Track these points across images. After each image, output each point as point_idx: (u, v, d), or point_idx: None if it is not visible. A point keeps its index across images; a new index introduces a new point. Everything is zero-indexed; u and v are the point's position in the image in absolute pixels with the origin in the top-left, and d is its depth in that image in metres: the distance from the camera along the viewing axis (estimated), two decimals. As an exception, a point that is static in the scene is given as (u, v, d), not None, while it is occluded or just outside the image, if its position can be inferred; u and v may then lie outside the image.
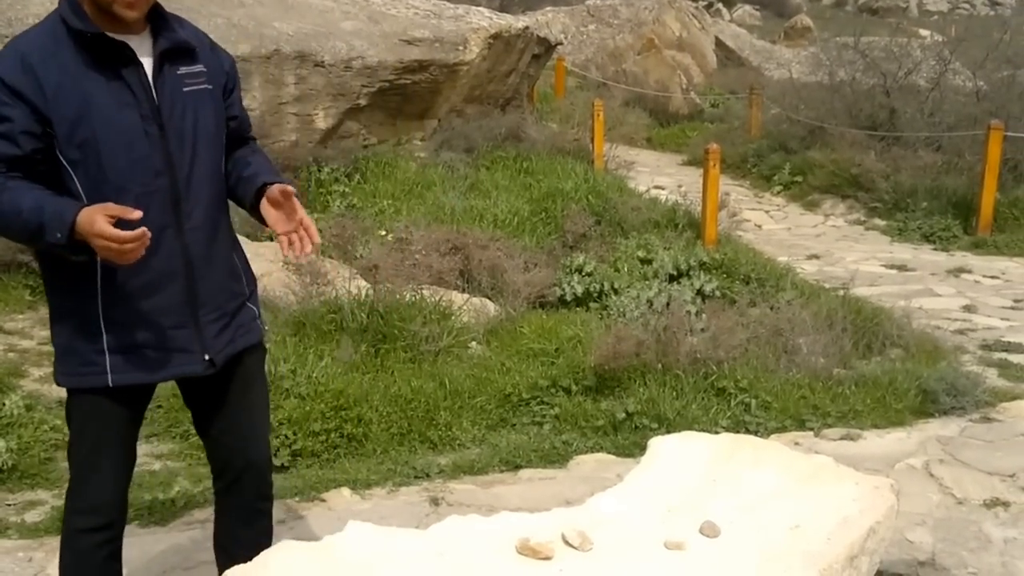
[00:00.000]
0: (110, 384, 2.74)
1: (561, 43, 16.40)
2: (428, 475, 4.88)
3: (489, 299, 6.95)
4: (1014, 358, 6.79)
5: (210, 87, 2.82)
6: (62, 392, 5.34)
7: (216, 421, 3.03)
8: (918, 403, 5.82)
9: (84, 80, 2.58)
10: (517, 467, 5.03)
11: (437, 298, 6.44)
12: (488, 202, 9.35)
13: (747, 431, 5.34)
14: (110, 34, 2.62)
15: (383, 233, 7.53)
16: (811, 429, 5.52)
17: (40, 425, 5.03)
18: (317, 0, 11.25)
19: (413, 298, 6.30)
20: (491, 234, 7.93)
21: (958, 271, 9.42)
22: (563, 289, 7.24)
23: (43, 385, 5.54)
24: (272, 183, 2.80)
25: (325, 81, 9.87)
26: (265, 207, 2.81)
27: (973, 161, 11.33)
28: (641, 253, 8.05)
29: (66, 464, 4.53)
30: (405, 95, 10.91)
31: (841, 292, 7.39)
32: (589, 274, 7.40)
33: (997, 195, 10.67)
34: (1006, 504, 4.62)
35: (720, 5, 48.20)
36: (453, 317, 6.34)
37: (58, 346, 2.80)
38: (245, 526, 3.13)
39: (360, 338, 5.94)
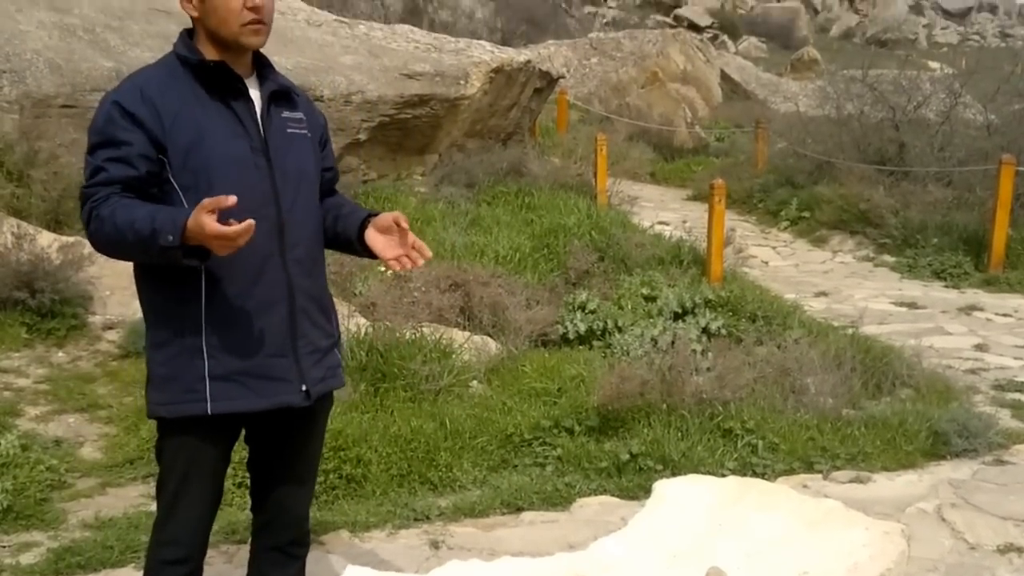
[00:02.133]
0: (209, 412, 2.79)
1: (563, 77, 16.46)
2: (428, 517, 4.79)
3: (490, 337, 6.88)
4: (1027, 398, 6.70)
5: (309, 135, 3.01)
6: (58, 432, 5.42)
7: (272, 463, 3.10)
8: (929, 445, 5.71)
9: (199, 110, 2.76)
10: (519, 509, 4.94)
11: (437, 336, 6.37)
12: (489, 238, 9.30)
13: (754, 473, 5.26)
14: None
15: (383, 269, 7.47)
16: (820, 471, 5.42)
17: (36, 465, 4.95)
18: (317, 34, 11.27)
19: (413, 336, 6.22)
20: (492, 270, 7.88)
21: (970, 309, 9.33)
22: (566, 327, 7.16)
23: (39, 424, 5.48)
24: (376, 215, 3.00)
25: (325, 116, 9.83)
26: (372, 236, 2.98)
27: (984, 196, 11.27)
28: (645, 290, 7.97)
29: (62, 506, 4.45)
30: (405, 130, 10.90)
31: (850, 330, 7.31)
32: (592, 312, 7.32)
33: (1009, 231, 10.60)
34: (1020, 550, 4.53)
35: (725, 37, 48.46)
36: (454, 355, 6.27)
37: (156, 375, 2.85)
38: (278, 568, 3.18)
39: (359, 377, 5.87)
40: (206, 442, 2.88)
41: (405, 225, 2.91)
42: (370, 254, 3.01)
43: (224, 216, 2.61)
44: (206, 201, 2.52)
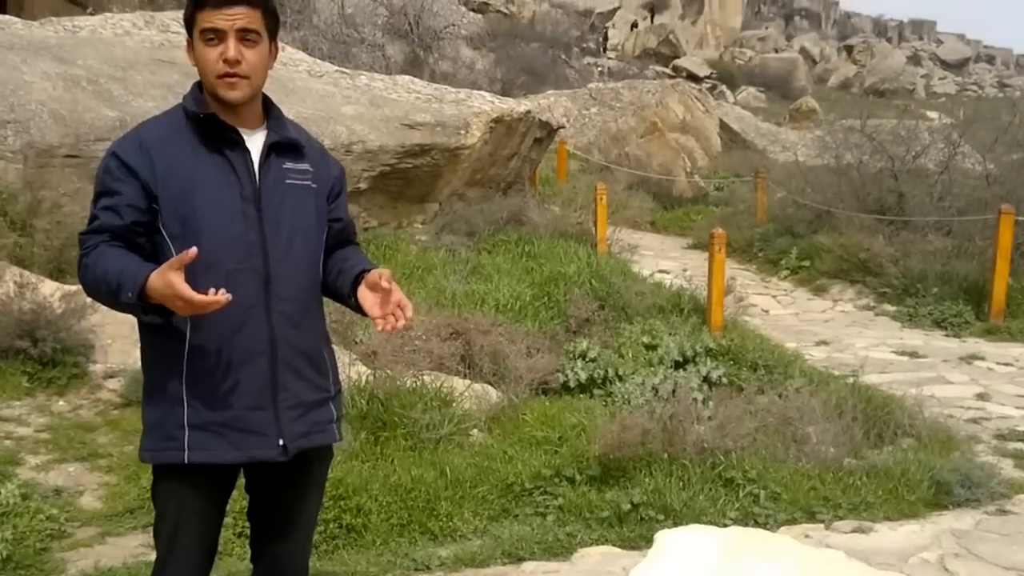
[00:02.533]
0: (185, 461, 2.78)
1: (563, 127, 16.57)
2: (429, 567, 4.76)
3: (491, 385, 6.87)
4: (1029, 448, 6.68)
5: (314, 186, 2.97)
6: (58, 481, 5.41)
7: (269, 516, 3.07)
8: (931, 495, 5.70)
9: (194, 160, 2.78)
10: (520, 559, 4.90)
11: (438, 384, 6.36)
12: (490, 286, 9.30)
13: (756, 523, 5.23)
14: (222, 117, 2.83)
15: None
16: (822, 521, 5.39)
17: (36, 515, 4.93)
18: (319, 85, 11.36)
19: (414, 384, 6.21)
20: (493, 319, 7.88)
21: (971, 358, 9.33)
22: (566, 375, 7.15)
23: (39, 473, 5.46)
24: (369, 270, 2.95)
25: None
26: (362, 293, 2.92)
27: (984, 246, 11.31)
28: (646, 339, 7.96)
29: (62, 555, 4.41)
30: (406, 179, 10.95)
31: (851, 379, 7.30)
32: (593, 360, 7.32)
33: (1009, 280, 10.63)
34: (1025, 601, 4.49)
35: (724, 87, 48.89)
36: (454, 404, 6.26)
37: (146, 422, 2.87)
38: None
39: (360, 425, 5.85)
40: (194, 490, 2.86)
41: (386, 284, 2.85)
42: (363, 311, 2.95)
43: (204, 266, 2.63)
44: (172, 260, 2.55)
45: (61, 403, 6.24)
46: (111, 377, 6.49)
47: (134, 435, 5.80)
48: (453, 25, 27.39)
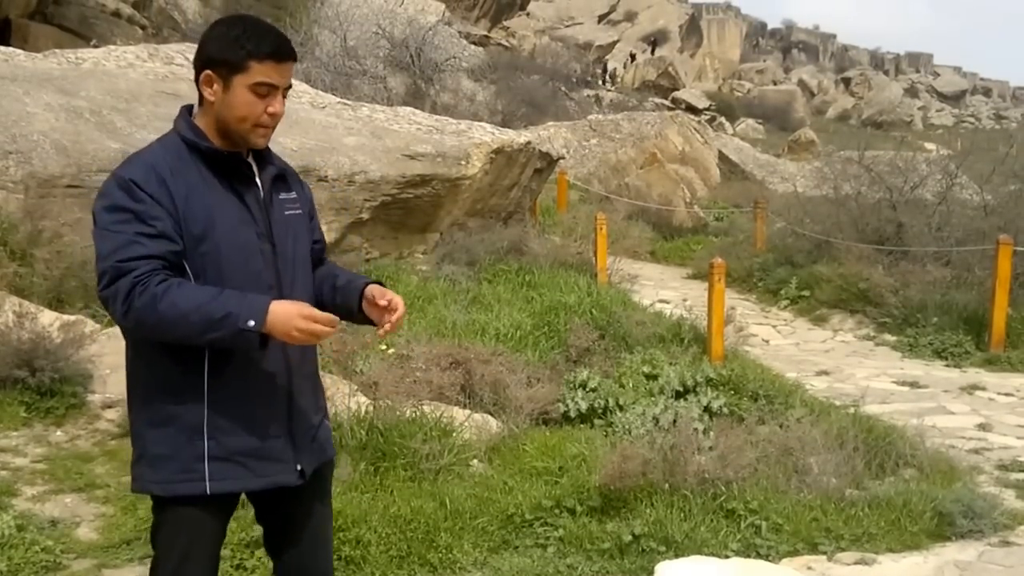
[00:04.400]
0: (207, 492, 2.81)
1: (563, 157, 16.63)
2: (428, 600, 4.71)
3: (491, 415, 6.85)
4: (1032, 479, 6.65)
5: (301, 212, 3.08)
6: (54, 512, 5.36)
7: (290, 535, 3.13)
8: (934, 526, 5.66)
9: (209, 196, 2.81)
10: (520, 593, 4.85)
11: (438, 414, 6.34)
12: (490, 316, 9.30)
13: (758, 555, 5.20)
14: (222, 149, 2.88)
15: (384, 347, 7.48)
16: (824, 553, 5.35)
17: (31, 546, 4.88)
18: (321, 116, 11.41)
19: (414, 414, 6.19)
20: (493, 348, 7.87)
21: (972, 388, 9.32)
22: (567, 405, 7.13)
23: (35, 504, 5.41)
24: (370, 283, 3.09)
25: (328, 196, 9.93)
26: (368, 307, 3.04)
27: (983, 276, 11.33)
28: (646, 368, 7.94)
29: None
30: (407, 209, 10.98)
31: (852, 410, 7.29)
32: (593, 390, 7.30)
33: (1009, 311, 10.63)
34: (1030, 634, 4.46)
35: (723, 119, 49.12)
36: (454, 434, 6.23)
37: (152, 454, 2.85)
38: None
39: (359, 456, 5.82)
40: (205, 520, 2.89)
41: (382, 303, 2.98)
42: (368, 321, 3.07)
43: None
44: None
45: (59, 433, 6.21)
46: (109, 407, 6.47)
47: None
48: (454, 57, 27.53)
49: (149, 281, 2.65)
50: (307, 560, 3.14)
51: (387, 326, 2.98)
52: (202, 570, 2.93)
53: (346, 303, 3.09)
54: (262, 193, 2.93)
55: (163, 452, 2.82)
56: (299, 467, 2.95)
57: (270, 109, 2.84)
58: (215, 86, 2.84)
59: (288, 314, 2.65)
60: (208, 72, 2.84)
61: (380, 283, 3.10)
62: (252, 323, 2.61)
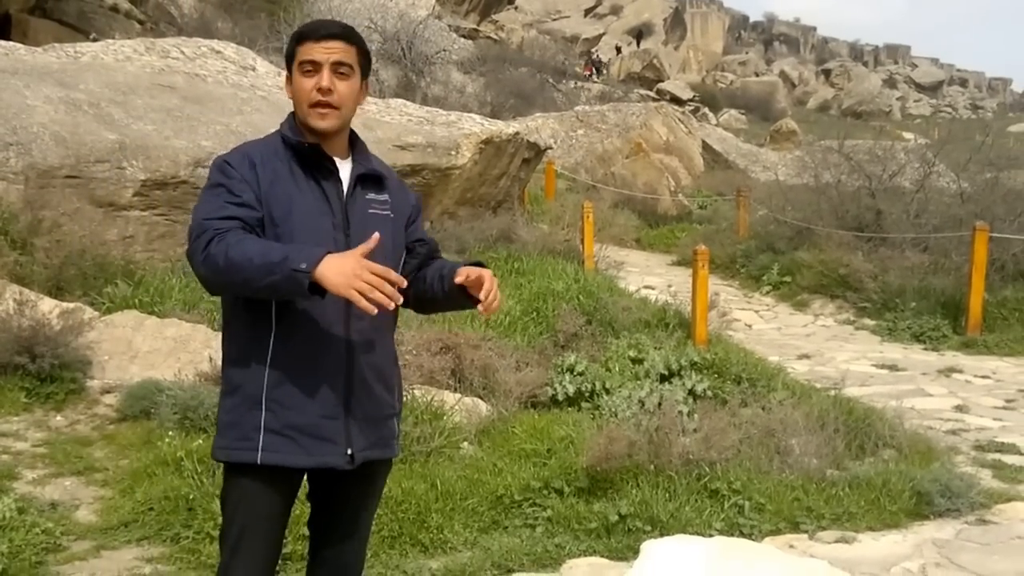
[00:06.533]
0: (258, 461, 2.91)
1: (551, 147, 16.67)
2: (419, 579, 4.78)
3: (481, 399, 6.92)
4: (1008, 459, 6.79)
5: (392, 216, 3.14)
6: (54, 495, 5.46)
7: (333, 520, 3.21)
8: (912, 505, 5.79)
9: (291, 185, 2.97)
10: (509, 571, 4.96)
11: (429, 398, 6.43)
12: (480, 302, 9.30)
13: (741, 534, 5.31)
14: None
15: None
16: (805, 531, 5.47)
17: (32, 528, 4.94)
18: (313, 108, 11.42)
19: (404, 398, 6.25)
20: (483, 334, 7.92)
21: (949, 371, 9.47)
22: (555, 389, 7.21)
23: (36, 488, 5.48)
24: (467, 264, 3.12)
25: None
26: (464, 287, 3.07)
27: (960, 262, 11.48)
28: (632, 353, 8.03)
29: (57, 569, 4.43)
30: (399, 198, 11.01)
31: (832, 392, 7.41)
32: (581, 374, 7.38)
33: (985, 295, 10.77)
34: (1004, 608, 4.57)
35: (706, 110, 49.14)
36: (445, 417, 6.31)
37: (221, 421, 3.00)
38: None
39: (351, 439, 5.88)
40: (260, 493, 2.98)
41: (458, 279, 3.02)
42: (470, 299, 3.08)
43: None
44: (358, 248, 2.76)
45: (58, 418, 6.28)
46: (108, 392, 6.53)
47: (129, 449, 5.89)
48: (444, 51, 27.54)
49: (227, 233, 2.81)
50: (334, 549, 3.22)
51: (480, 307, 3.00)
52: (258, 546, 3.01)
53: (450, 288, 3.11)
54: (345, 187, 3.04)
55: (229, 419, 2.97)
56: (349, 451, 2.99)
57: (318, 85, 2.95)
58: (288, 86, 3.06)
59: (343, 261, 2.70)
60: (286, 76, 3.08)
61: (479, 263, 3.12)
62: (304, 265, 2.68)
